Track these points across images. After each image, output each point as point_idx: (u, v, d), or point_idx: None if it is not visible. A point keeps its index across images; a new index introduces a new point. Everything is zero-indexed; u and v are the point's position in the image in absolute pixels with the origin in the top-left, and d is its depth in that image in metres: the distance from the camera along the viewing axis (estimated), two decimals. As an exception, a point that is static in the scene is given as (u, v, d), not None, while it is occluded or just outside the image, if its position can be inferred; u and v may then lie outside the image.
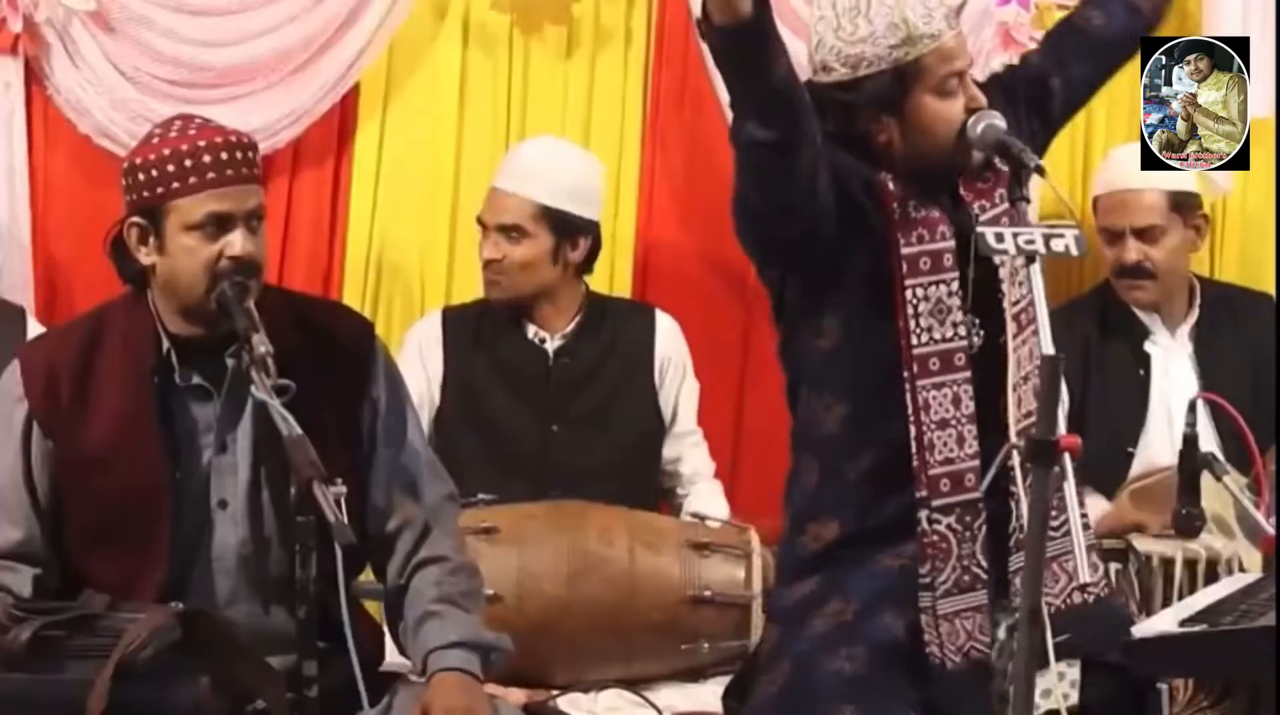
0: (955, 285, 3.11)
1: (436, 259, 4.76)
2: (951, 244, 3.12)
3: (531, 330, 4.39)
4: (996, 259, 3.12)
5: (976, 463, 3.11)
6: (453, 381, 4.38)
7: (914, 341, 3.09)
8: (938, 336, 3.11)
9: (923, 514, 3.10)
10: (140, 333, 3.16)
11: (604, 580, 3.97)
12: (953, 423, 3.11)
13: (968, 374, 3.11)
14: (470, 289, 4.68)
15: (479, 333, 4.41)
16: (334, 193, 4.70)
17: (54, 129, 4.49)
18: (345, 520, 2.77)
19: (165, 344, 3.16)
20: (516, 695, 3.79)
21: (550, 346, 4.39)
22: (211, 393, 3.17)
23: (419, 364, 4.38)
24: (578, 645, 3.96)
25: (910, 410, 3.10)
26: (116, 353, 3.16)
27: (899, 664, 3.06)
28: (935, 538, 3.10)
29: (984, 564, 3.13)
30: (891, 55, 3.06)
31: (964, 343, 3.12)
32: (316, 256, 4.67)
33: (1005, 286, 3.14)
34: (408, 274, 4.76)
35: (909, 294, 3.10)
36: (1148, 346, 4.53)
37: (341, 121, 4.69)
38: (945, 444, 3.10)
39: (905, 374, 3.10)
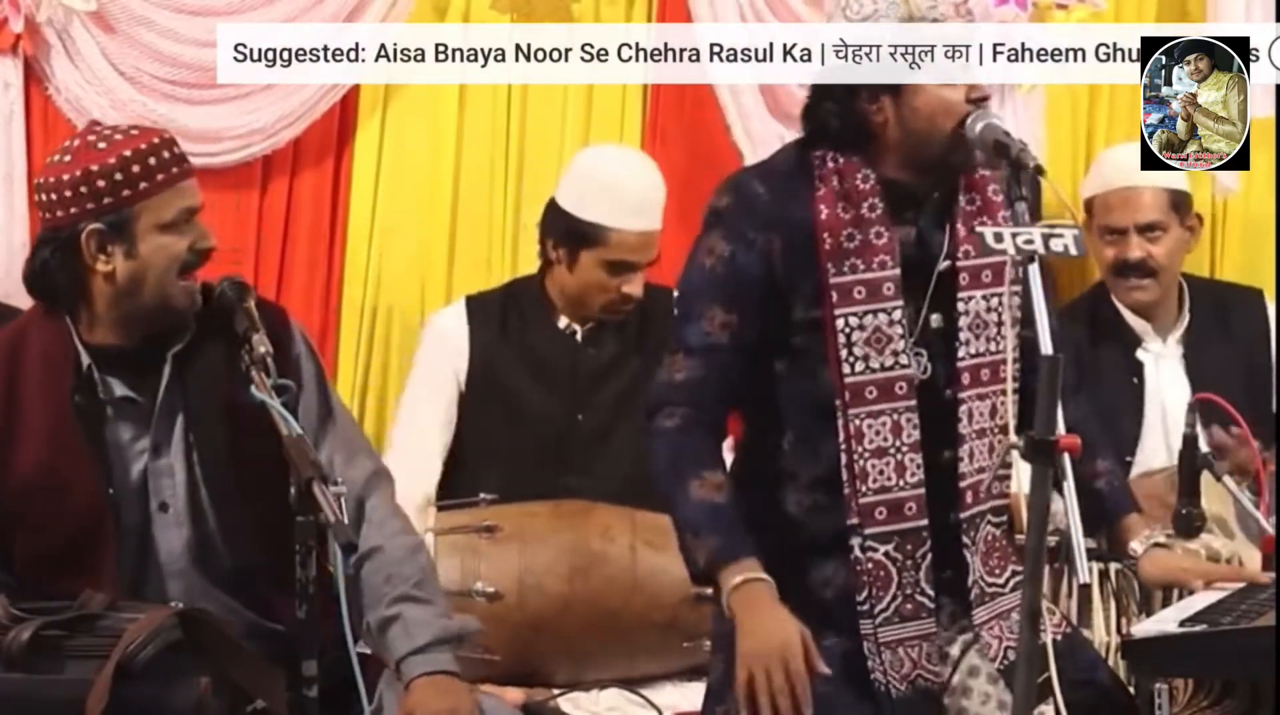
0: (898, 313, 3.06)
1: (437, 259, 4.76)
2: (895, 273, 3.06)
3: (563, 321, 4.38)
4: (960, 307, 3.10)
5: (921, 491, 3.06)
6: (478, 369, 4.37)
7: (846, 370, 3.04)
8: (875, 365, 3.05)
9: (855, 541, 3.06)
10: (58, 349, 3.13)
11: (606, 578, 3.97)
12: (891, 451, 3.05)
13: (911, 402, 3.05)
14: (470, 288, 4.68)
15: (505, 321, 4.40)
16: (334, 193, 4.70)
17: (54, 129, 4.49)
18: (345, 520, 2.77)
19: (85, 359, 3.14)
20: (513, 695, 3.80)
21: (579, 335, 4.38)
22: (139, 402, 3.15)
23: (442, 352, 4.37)
24: (579, 643, 3.96)
25: (842, 438, 3.05)
26: (36, 373, 3.13)
27: (846, 685, 3.02)
28: (870, 565, 3.06)
29: (930, 593, 3.09)
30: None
31: (907, 371, 3.06)
32: (316, 256, 4.67)
33: (963, 336, 3.10)
34: (408, 274, 4.76)
35: (840, 323, 3.04)
36: (1140, 354, 4.53)
37: (341, 121, 4.69)
38: (881, 472, 3.05)
39: (838, 402, 3.05)
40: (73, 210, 3.09)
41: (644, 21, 4.84)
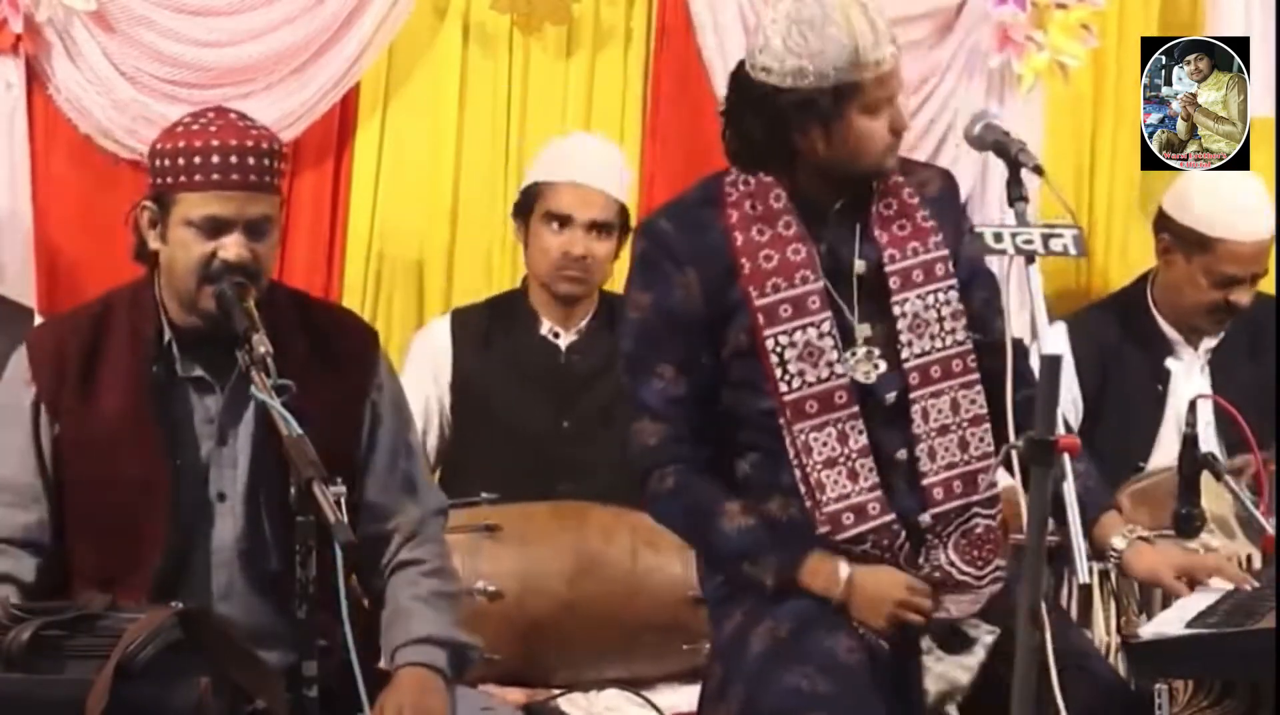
0: (826, 326, 3.09)
1: (437, 259, 4.76)
2: (819, 285, 3.10)
3: (545, 326, 4.40)
4: (895, 310, 3.13)
5: (879, 493, 3.09)
6: (462, 382, 4.39)
7: (783, 387, 3.08)
8: (811, 378, 3.08)
9: (831, 542, 3.10)
10: (144, 321, 3.17)
11: (606, 580, 3.97)
12: (841, 460, 3.08)
13: (854, 410, 3.09)
14: (470, 288, 4.70)
15: (489, 332, 4.42)
16: (334, 193, 4.70)
17: (54, 129, 4.49)
18: (345, 520, 2.77)
19: (167, 334, 3.17)
20: (515, 695, 3.80)
21: (563, 342, 4.40)
22: (213, 385, 3.17)
23: (429, 367, 4.40)
24: (579, 644, 3.96)
25: (792, 454, 3.09)
26: (123, 339, 3.17)
27: (853, 680, 3.03)
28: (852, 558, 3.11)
29: (914, 576, 3.12)
30: (835, 75, 3.04)
31: (843, 380, 3.09)
32: (316, 256, 4.68)
33: (904, 337, 3.13)
34: (408, 274, 4.76)
35: (770, 342, 3.08)
36: (1169, 362, 4.52)
37: (341, 121, 4.70)
38: (836, 481, 3.08)
39: (781, 421, 3.09)
40: (147, 179, 3.18)
41: (644, 21, 4.84)
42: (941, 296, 3.15)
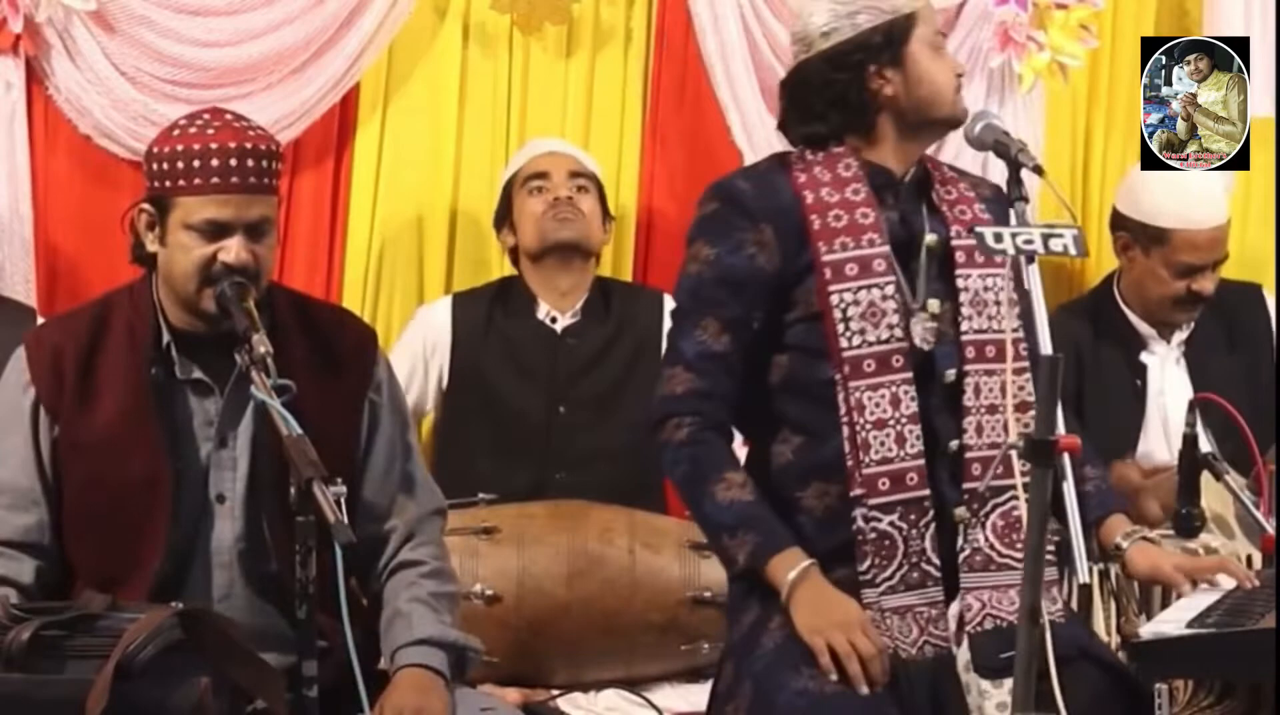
0: (890, 288, 3.10)
1: (436, 258, 4.76)
2: (885, 249, 3.12)
3: (543, 309, 4.41)
4: (959, 283, 3.15)
5: (921, 462, 3.09)
6: (459, 365, 4.40)
7: (844, 344, 3.09)
8: (871, 338, 3.09)
9: (858, 512, 3.08)
10: (143, 323, 3.18)
11: (604, 580, 3.97)
12: (891, 423, 3.08)
13: (908, 375, 3.09)
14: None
15: (489, 316, 4.44)
16: (334, 193, 4.70)
17: (54, 129, 4.49)
18: (345, 520, 2.77)
19: (165, 337, 3.17)
20: (513, 695, 3.80)
21: (559, 326, 4.40)
22: (212, 387, 3.17)
23: (421, 345, 4.41)
24: (577, 645, 3.96)
25: (843, 411, 3.09)
26: (121, 342, 3.17)
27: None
28: (874, 535, 3.08)
29: (936, 561, 3.10)
30: (888, 5, 3.13)
31: (903, 344, 3.10)
32: (316, 256, 4.67)
33: (965, 311, 3.15)
34: (407, 274, 4.76)
35: (834, 298, 3.09)
36: (1144, 357, 4.52)
37: (341, 121, 4.70)
38: (883, 443, 3.08)
39: (837, 376, 3.09)
40: (145, 183, 3.17)
41: (644, 21, 4.84)
42: (999, 282, 3.17)
